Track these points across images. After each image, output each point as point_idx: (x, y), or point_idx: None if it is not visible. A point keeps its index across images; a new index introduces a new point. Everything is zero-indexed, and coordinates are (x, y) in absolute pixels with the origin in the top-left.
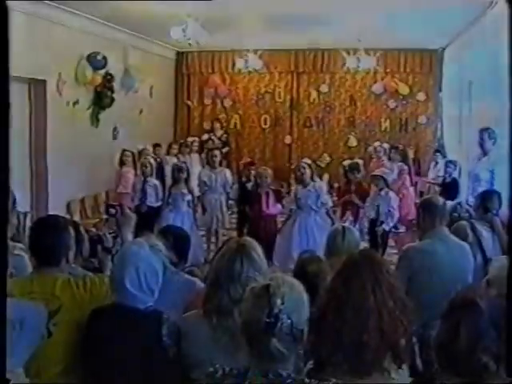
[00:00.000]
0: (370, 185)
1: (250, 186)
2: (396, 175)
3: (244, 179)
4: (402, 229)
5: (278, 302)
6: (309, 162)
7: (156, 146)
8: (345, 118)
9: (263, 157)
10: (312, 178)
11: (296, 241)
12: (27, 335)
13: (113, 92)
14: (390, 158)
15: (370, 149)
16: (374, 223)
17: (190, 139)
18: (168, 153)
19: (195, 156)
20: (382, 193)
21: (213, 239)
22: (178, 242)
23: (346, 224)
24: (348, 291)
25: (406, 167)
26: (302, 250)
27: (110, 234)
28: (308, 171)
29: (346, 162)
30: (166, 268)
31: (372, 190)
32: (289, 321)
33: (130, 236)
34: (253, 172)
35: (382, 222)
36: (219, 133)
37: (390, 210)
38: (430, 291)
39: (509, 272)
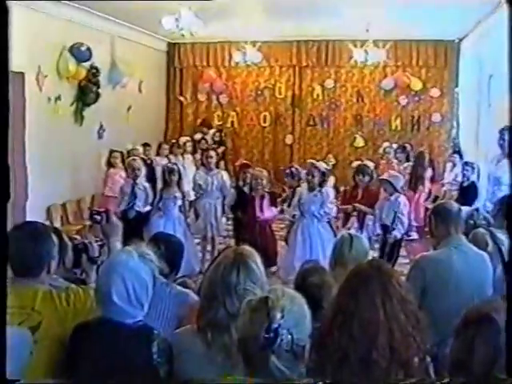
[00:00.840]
0: (379, 189)
1: (247, 189)
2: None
3: (241, 183)
4: (415, 235)
5: (278, 315)
6: (323, 166)
7: (145, 145)
8: (351, 116)
9: (262, 158)
10: (321, 184)
11: (299, 250)
12: (9, 365)
13: (98, 87)
14: (396, 159)
15: (381, 150)
16: (385, 231)
17: (182, 139)
18: (158, 153)
19: (189, 157)
20: (392, 198)
21: (208, 247)
22: (169, 250)
23: (354, 231)
24: (355, 305)
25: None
26: (305, 259)
27: (96, 242)
28: (318, 176)
29: (355, 164)
30: (157, 279)
31: (381, 195)
32: (289, 336)
33: (118, 245)
34: (248, 174)
35: (394, 229)
36: (212, 131)
37: (398, 217)
38: (445, 305)
39: (509, 273)
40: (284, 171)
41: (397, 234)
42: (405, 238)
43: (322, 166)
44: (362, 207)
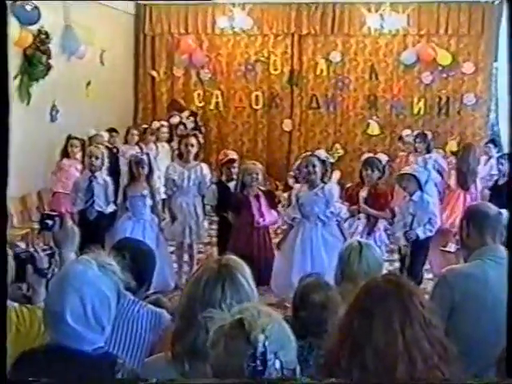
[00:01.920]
0: (393, 188)
1: (232, 186)
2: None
3: (225, 178)
4: (452, 247)
5: (261, 337)
6: (323, 154)
7: (111, 131)
8: (363, 97)
9: (254, 148)
10: (323, 179)
11: (297, 261)
12: None
13: (49, 57)
14: (415, 150)
15: (397, 141)
16: (407, 237)
17: (156, 124)
18: (126, 141)
19: (164, 146)
20: (415, 197)
21: (186, 257)
22: (137, 260)
23: (364, 239)
24: (368, 329)
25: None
26: (305, 272)
27: (44, 250)
28: (319, 168)
29: (364, 156)
30: (122, 295)
31: (398, 194)
32: (277, 361)
33: (71, 255)
34: (235, 169)
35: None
36: (185, 115)
37: (430, 218)
38: (479, 330)
39: (509, 271)
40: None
41: (419, 233)
42: (440, 249)
43: (322, 154)
44: (371, 210)
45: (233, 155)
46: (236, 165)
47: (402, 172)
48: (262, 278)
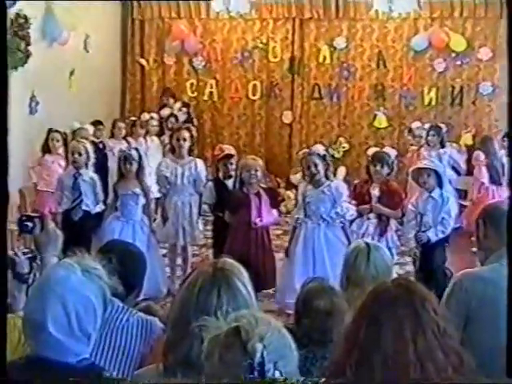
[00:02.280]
0: (403, 185)
1: (230, 183)
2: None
3: (222, 175)
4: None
5: (259, 347)
6: (322, 149)
7: (96, 124)
8: (370, 87)
9: (251, 142)
10: (327, 176)
11: (299, 264)
12: None
13: (28, 43)
14: (428, 144)
15: (406, 134)
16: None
17: (145, 116)
18: (113, 135)
19: (154, 140)
20: (435, 194)
21: (179, 261)
22: (126, 264)
23: (370, 240)
24: (376, 337)
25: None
26: (307, 276)
27: (24, 254)
28: (321, 166)
29: (371, 151)
30: (109, 302)
31: (412, 191)
32: (277, 372)
33: (54, 259)
34: (232, 166)
35: (425, 231)
36: (177, 106)
37: (443, 218)
38: (497, 341)
39: (509, 270)
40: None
41: (430, 234)
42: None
43: (320, 149)
44: (385, 209)
45: (230, 150)
46: (233, 161)
47: (419, 166)
48: (261, 283)
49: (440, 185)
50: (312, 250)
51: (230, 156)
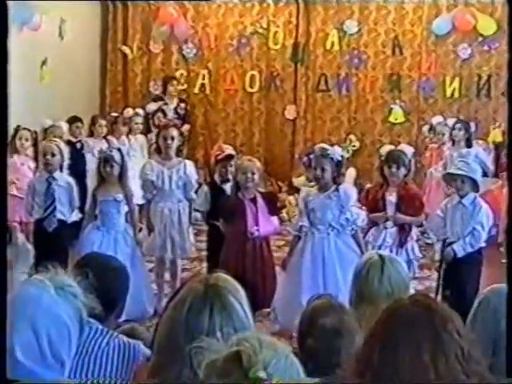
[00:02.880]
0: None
1: (228, 188)
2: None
3: (219, 178)
4: None
5: (262, 375)
6: (338, 152)
7: (73, 121)
8: (384, 77)
9: (249, 140)
10: (335, 180)
11: (307, 280)
12: None
13: None
14: (453, 142)
15: (425, 129)
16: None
17: (128, 112)
18: (92, 133)
19: (138, 139)
20: (466, 200)
21: (167, 276)
22: (106, 280)
23: (386, 252)
24: (392, 361)
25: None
26: (314, 293)
27: None
28: (330, 171)
29: (385, 149)
30: (87, 324)
31: (435, 194)
32: None
33: (23, 276)
34: (232, 168)
35: (452, 243)
36: (174, 101)
37: (474, 228)
38: None
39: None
40: (300, 158)
41: (457, 248)
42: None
43: (337, 150)
44: (405, 217)
45: (230, 150)
46: (233, 163)
47: (453, 172)
48: (260, 301)
49: (475, 190)
50: (322, 262)
51: (231, 157)
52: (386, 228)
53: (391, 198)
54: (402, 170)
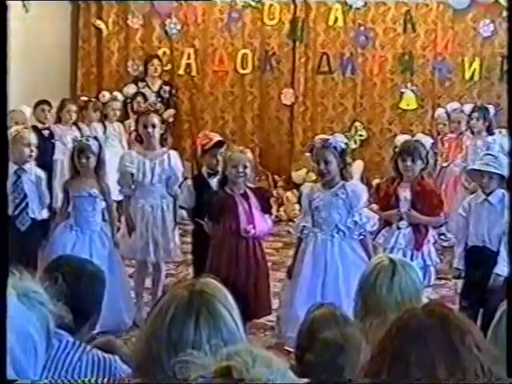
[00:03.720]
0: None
1: (215, 182)
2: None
3: (206, 171)
4: None
5: None
6: (341, 140)
7: (39, 105)
8: (395, 57)
9: (241, 129)
10: (342, 175)
11: (306, 286)
12: None
13: None
14: (472, 131)
15: (440, 113)
16: (474, 255)
17: (104, 96)
18: (60, 119)
19: (115, 127)
20: (493, 198)
21: (148, 282)
22: (79, 286)
23: (396, 255)
24: (403, 379)
25: None
26: (311, 302)
27: None
28: (336, 163)
29: (400, 140)
30: (55, 336)
31: (449, 189)
32: None
33: None
34: (220, 157)
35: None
36: (157, 84)
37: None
38: None
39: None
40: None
41: (502, 269)
42: None
43: (339, 140)
44: (421, 217)
45: (217, 137)
46: (223, 152)
47: (479, 168)
48: (252, 310)
49: (502, 186)
50: (324, 268)
51: (221, 144)
52: (399, 228)
53: (405, 194)
54: (419, 164)
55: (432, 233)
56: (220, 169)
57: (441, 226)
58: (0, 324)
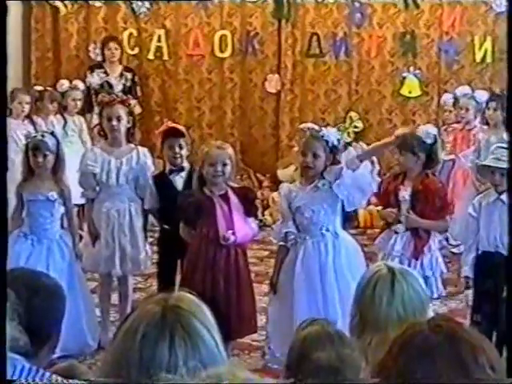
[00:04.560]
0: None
1: (180, 179)
2: None
3: (171, 168)
4: None
5: None
6: (334, 135)
7: None
8: (395, 37)
9: (220, 120)
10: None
11: (299, 299)
12: None
13: None
14: (487, 123)
15: (446, 98)
16: (486, 262)
17: (63, 84)
18: (11, 112)
19: (76, 121)
20: (506, 197)
21: (115, 298)
22: (34, 304)
23: (396, 263)
24: None
25: None
26: (307, 317)
27: None
28: (323, 153)
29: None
30: (8, 361)
31: (457, 187)
32: None
33: None
34: (182, 150)
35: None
36: (117, 70)
37: None
38: None
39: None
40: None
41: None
42: None
43: (332, 135)
44: (423, 221)
45: (174, 125)
46: (183, 142)
47: (495, 165)
48: (234, 328)
49: None
50: (319, 275)
51: (175, 133)
52: (396, 232)
53: (405, 193)
54: (421, 157)
55: (436, 238)
56: (190, 165)
57: (446, 230)
58: (0, 324)
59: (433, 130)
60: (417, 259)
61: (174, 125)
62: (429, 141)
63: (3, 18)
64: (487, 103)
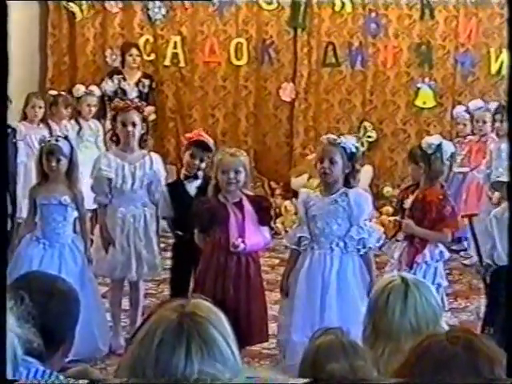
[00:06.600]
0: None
1: (194, 187)
2: None
3: (184, 173)
4: None
5: None
6: (351, 142)
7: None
8: (410, 48)
9: (234, 128)
10: (347, 179)
11: (302, 306)
12: None
13: None
14: (497, 133)
15: (458, 111)
16: (502, 276)
17: (79, 90)
18: (26, 116)
19: (91, 125)
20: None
21: (125, 303)
22: (48, 307)
23: (410, 274)
24: None
25: None
26: (313, 325)
27: None
28: (341, 160)
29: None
30: (21, 364)
31: (471, 198)
32: None
33: None
34: (203, 163)
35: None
36: (136, 77)
37: None
38: None
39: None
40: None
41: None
42: None
43: (350, 142)
44: (420, 229)
45: (208, 140)
46: (206, 156)
47: (505, 180)
48: (245, 336)
49: None
50: (321, 287)
51: (203, 145)
52: (397, 241)
53: (408, 201)
54: (424, 168)
55: (433, 249)
56: (204, 173)
57: (459, 240)
58: (0, 324)
59: (435, 141)
60: (411, 268)
61: (204, 137)
62: (429, 151)
63: (3, 18)
64: (494, 115)
